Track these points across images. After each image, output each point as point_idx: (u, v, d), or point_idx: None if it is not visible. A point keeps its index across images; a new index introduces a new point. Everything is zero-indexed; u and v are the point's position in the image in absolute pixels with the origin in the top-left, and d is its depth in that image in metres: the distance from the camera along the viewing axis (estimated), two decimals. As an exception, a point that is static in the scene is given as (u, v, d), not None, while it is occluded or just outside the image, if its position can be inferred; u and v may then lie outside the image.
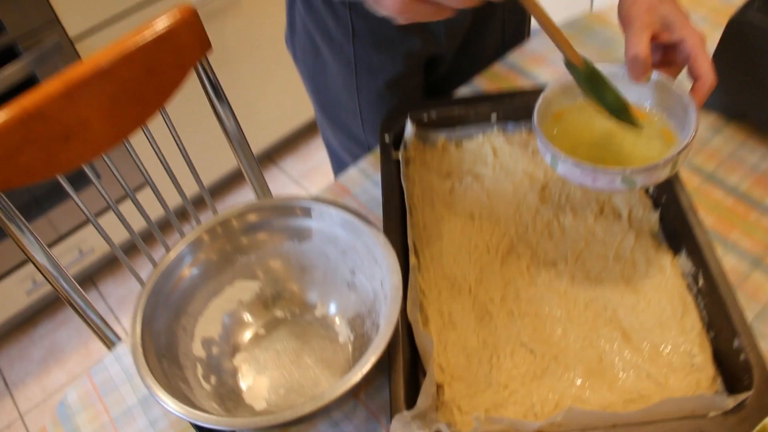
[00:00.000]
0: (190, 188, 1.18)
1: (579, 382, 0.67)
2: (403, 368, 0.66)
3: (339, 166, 1.20)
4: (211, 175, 2.11)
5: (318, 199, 0.75)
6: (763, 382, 0.60)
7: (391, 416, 0.62)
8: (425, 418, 0.63)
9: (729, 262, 0.76)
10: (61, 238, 1.86)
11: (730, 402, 0.58)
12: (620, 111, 0.69)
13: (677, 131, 0.71)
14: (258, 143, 2.20)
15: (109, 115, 0.95)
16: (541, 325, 0.71)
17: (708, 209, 0.81)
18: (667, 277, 0.73)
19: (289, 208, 0.76)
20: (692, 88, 0.69)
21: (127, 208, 1.16)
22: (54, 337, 2.03)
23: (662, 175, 0.67)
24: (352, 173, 0.95)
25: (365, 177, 0.94)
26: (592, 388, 0.66)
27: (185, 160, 1.11)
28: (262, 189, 1.18)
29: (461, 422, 0.65)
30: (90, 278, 2.14)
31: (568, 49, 0.65)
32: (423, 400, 0.63)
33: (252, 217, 0.77)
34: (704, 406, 0.59)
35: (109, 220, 1.27)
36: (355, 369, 0.61)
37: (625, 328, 0.70)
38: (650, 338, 0.69)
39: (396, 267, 0.66)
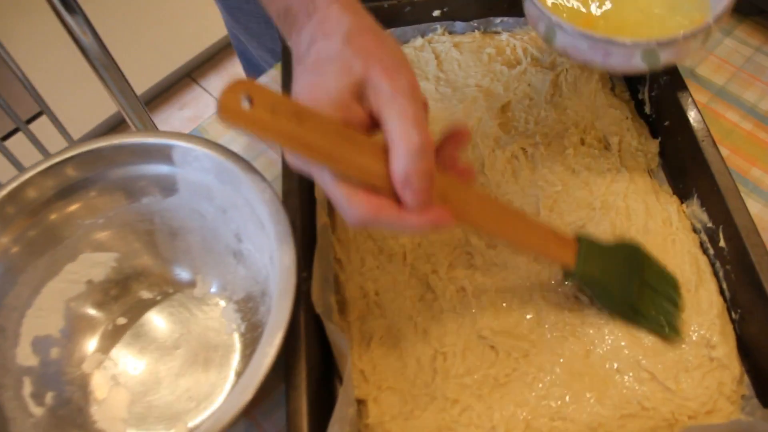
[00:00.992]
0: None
1: (558, 391, 0.47)
2: (309, 379, 0.45)
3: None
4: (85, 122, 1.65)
5: (178, 136, 0.51)
6: (821, 392, 0.42)
7: (290, 457, 0.42)
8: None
9: (751, 209, 0.55)
10: None
11: (780, 428, 0.40)
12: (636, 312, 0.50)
13: None
14: (174, 60, 1.89)
15: None
16: (505, 307, 0.51)
17: (720, 137, 0.61)
18: (675, 232, 0.53)
19: (142, 150, 0.52)
20: None
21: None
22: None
23: (691, 48, 0.50)
24: (248, 92, 0.70)
25: (265, 97, 0.69)
26: (576, 399, 0.47)
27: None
28: (144, 123, 0.91)
29: (392, 457, 0.45)
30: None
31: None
32: (336, 429, 0.42)
33: (77, 168, 0.52)
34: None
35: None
36: (240, 386, 0.40)
37: (619, 308, 0.51)
38: (653, 321, 0.50)
39: (287, 237, 0.44)
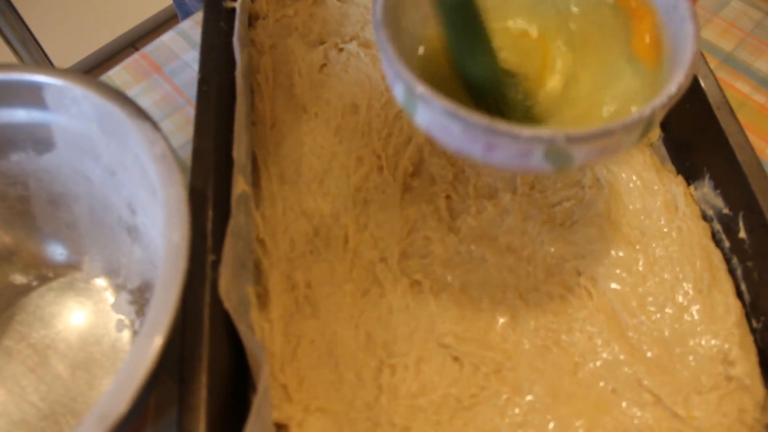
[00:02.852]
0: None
1: (538, 417, 0.37)
2: (210, 398, 0.33)
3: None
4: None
5: (49, 71, 0.38)
6: None
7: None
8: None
9: None
10: None
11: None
12: (488, 90, 0.35)
13: (665, 41, 0.35)
14: (116, 28, 1.76)
15: None
16: (472, 307, 0.40)
17: (729, 109, 0.51)
18: (681, 218, 0.43)
19: (4, 89, 0.39)
20: None
21: None
22: None
23: (625, 145, 0.32)
24: (168, 38, 0.58)
25: (189, 44, 0.57)
26: (562, 429, 0.36)
27: None
28: (28, 50, 0.75)
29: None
30: None
31: None
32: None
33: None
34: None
35: None
36: (102, 403, 0.28)
37: (615, 311, 0.40)
38: (656, 328, 0.40)
39: (179, 205, 0.32)
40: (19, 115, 0.40)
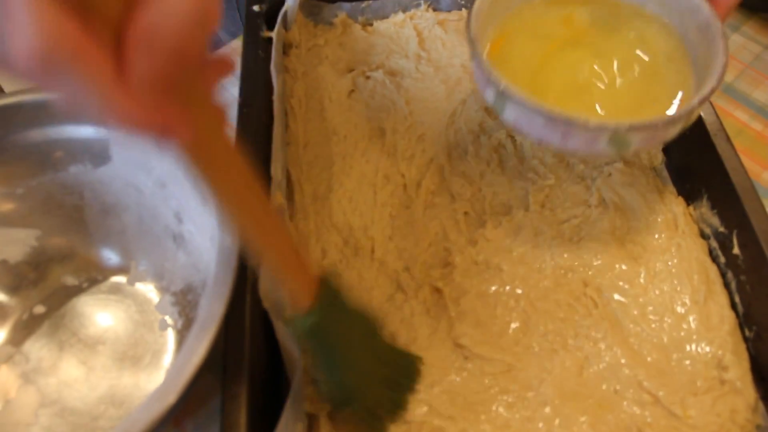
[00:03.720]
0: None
1: (545, 411, 0.40)
2: (251, 388, 0.37)
3: None
4: None
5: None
6: None
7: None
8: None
9: (763, 217, 0.51)
10: None
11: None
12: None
13: (687, 56, 0.44)
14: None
15: None
16: (487, 313, 0.44)
17: (728, 136, 0.55)
18: (680, 236, 0.47)
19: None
20: None
21: None
22: None
23: (670, 133, 0.40)
24: (207, 63, 0.62)
25: (225, 69, 0.62)
26: (567, 424, 0.40)
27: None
28: None
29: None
30: None
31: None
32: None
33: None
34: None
35: None
36: (160, 389, 0.32)
37: (618, 319, 0.44)
38: (656, 336, 0.43)
39: (232, 214, 0.36)
40: (81, 131, 0.45)
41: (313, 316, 0.34)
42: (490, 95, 0.41)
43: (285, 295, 0.37)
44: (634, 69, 0.43)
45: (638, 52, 0.44)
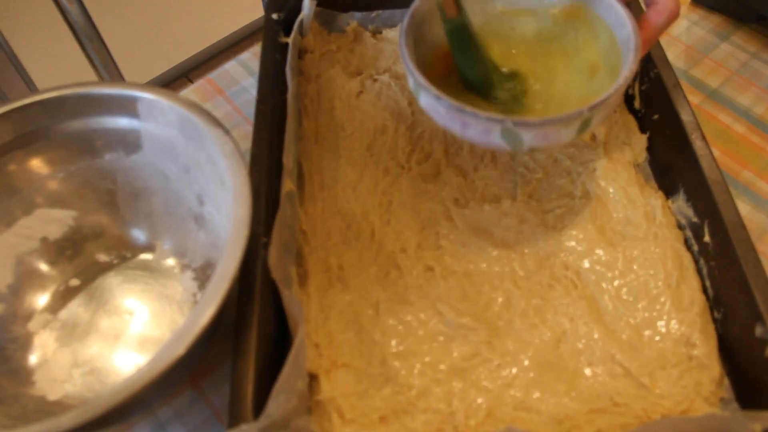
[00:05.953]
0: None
1: (524, 381, 0.44)
2: (258, 347, 0.42)
3: None
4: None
5: (144, 87, 0.48)
6: (803, 393, 0.39)
7: (229, 425, 0.39)
8: (287, 427, 0.40)
9: (740, 211, 0.54)
10: None
11: (756, 426, 0.37)
12: (481, 88, 0.48)
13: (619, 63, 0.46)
14: (170, 58, 1.88)
15: None
16: (474, 289, 0.48)
17: (711, 138, 0.58)
18: (657, 226, 0.50)
19: (107, 101, 0.50)
20: (645, 13, 0.46)
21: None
22: None
23: (564, 137, 0.43)
24: (230, 66, 0.68)
25: (247, 72, 0.68)
26: (543, 390, 0.44)
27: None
28: (109, 72, 0.88)
29: (341, 436, 0.42)
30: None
31: None
32: (278, 403, 0.39)
33: (38, 114, 0.49)
34: (714, 430, 0.37)
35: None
36: (173, 339, 0.37)
37: (595, 299, 0.48)
38: (630, 315, 0.47)
39: (243, 189, 0.41)
40: (117, 122, 0.50)
41: (459, 20, 0.45)
42: (411, 83, 0.46)
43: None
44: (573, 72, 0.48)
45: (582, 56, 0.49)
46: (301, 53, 0.63)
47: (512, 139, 0.42)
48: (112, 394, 0.34)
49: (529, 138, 0.42)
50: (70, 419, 0.33)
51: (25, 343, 0.50)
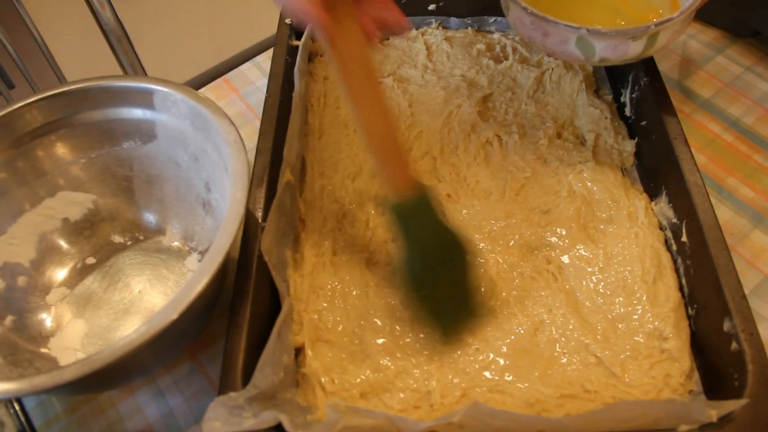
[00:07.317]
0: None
1: (500, 365, 0.47)
2: (251, 321, 0.45)
3: None
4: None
5: (159, 81, 0.52)
6: (761, 384, 0.41)
7: (220, 391, 0.42)
8: (274, 398, 0.43)
9: (722, 216, 0.56)
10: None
11: (713, 413, 0.39)
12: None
13: None
14: (209, 58, 1.94)
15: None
16: (458, 278, 0.51)
17: (699, 146, 0.61)
18: (639, 226, 0.53)
19: (126, 93, 0.54)
20: None
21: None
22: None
23: (632, 50, 0.49)
24: (246, 67, 0.72)
25: (260, 72, 0.71)
26: (518, 374, 0.46)
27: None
28: (135, 71, 0.94)
29: (325, 408, 0.45)
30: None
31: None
32: (264, 375, 0.42)
33: (64, 104, 0.54)
34: (674, 415, 0.39)
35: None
36: (170, 303, 0.40)
37: (574, 291, 0.50)
38: (607, 308, 0.49)
39: (242, 174, 0.44)
40: (135, 113, 0.54)
41: (402, 205, 0.44)
42: (503, 3, 0.54)
43: (383, 182, 0.46)
44: None
45: None
46: (311, 56, 0.66)
47: (585, 48, 0.49)
48: (111, 351, 0.37)
49: (600, 47, 0.48)
50: (72, 371, 0.37)
51: (42, 314, 0.54)
